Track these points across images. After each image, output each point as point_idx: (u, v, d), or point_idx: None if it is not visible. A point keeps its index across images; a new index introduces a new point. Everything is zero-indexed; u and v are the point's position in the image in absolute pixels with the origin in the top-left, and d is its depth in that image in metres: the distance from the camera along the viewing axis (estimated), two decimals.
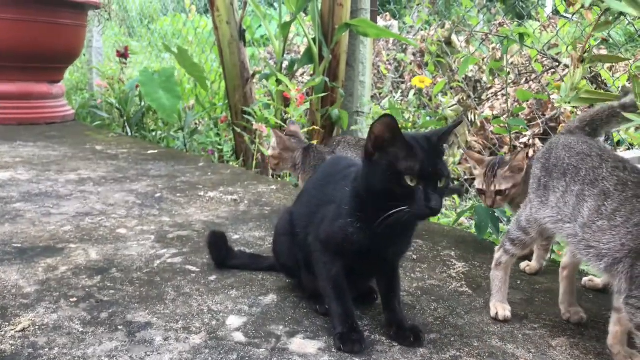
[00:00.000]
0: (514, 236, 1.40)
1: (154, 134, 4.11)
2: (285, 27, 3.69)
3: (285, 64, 3.86)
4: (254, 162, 3.50)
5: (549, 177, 1.31)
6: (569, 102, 1.14)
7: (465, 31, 4.07)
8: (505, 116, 4.37)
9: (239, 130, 3.63)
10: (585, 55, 1.08)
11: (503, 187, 1.72)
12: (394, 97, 5.21)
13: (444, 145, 1.24)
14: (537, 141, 4.22)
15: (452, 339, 1.33)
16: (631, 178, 1.16)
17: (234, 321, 1.37)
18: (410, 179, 1.15)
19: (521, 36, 1.79)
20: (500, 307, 1.43)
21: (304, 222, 1.41)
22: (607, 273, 1.16)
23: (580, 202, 1.21)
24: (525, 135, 4.28)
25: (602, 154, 1.23)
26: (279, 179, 3.22)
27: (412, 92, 4.54)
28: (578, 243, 1.21)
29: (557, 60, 3.60)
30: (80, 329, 1.30)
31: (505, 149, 3.85)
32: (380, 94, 5.44)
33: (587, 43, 1.10)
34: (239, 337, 1.30)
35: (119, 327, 1.32)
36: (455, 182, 3.69)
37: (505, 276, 1.45)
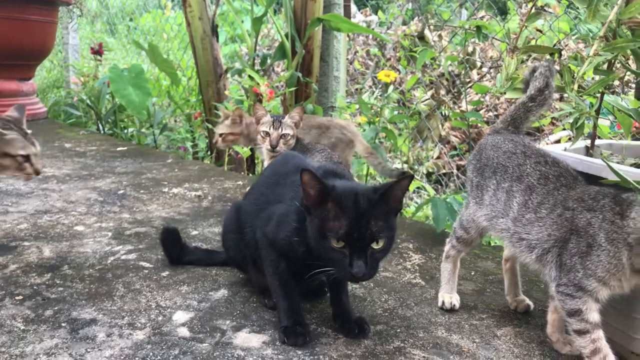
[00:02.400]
0: (458, 234, 1.43)
1: (126, 131, 4.07)
2: (256, 23, 3.68)
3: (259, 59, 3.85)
4: (227, 158, 3.48)
5: (481, 177, 1.35)
6: (504, 93, 1.14)
7: (438, 25, 4.08)
8: (481, 110, 4.39)
9: (210, 126, 3.61)
10: (520, 46, 1.09)
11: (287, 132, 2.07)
12: (374, 92, 5.22)
13: (394, 200, 1.14)
14: None
15: (399, 330, 1.33)
16: (551, 172, 1.20)
17: (180, 316, 1.36)
18: (336, 241, 1.10)
19: (478, 29, 1.79)
20: (447, 297, 1.44)
21: (253, 220, 1.39)
22: (539, 263, 1.19)
23: (510, 197, 1.24)
24: None
25: (526, 151, 1.28)
26: (250, 174, 3.21)
27: (391, 87, 4.54)
28: (511, 237, 1.24)
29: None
30: (22, 327, 1.28)
31: None
32: (360, 89, 5.44)
33: (521, 34, 1.10)
34: (184, 332, 1.29)
35: (63, 325, 1.30)
36: (432, 176, 3.71)
37: (454, 268, 1.46)
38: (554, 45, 3.14)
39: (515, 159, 1.27)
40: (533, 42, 3.03)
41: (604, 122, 2.83)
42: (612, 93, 3.49)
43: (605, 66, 1.20)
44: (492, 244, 2.01)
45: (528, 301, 1.45)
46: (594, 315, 1.11)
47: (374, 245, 1.11)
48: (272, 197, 1.34)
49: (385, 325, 1.35)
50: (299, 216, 1.19)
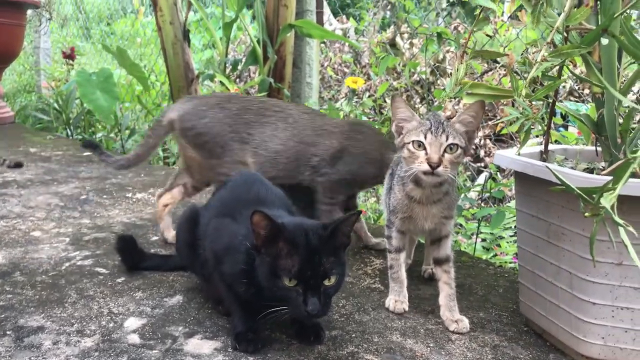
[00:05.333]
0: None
1: (94, 136, 4.01)
2: (227, 28, 3.66)
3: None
4: None
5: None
6: (453, 97, 1.15)
7: (409, 33, 4.11)
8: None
9: None
10: (468, 50, 1.10)
11: None
12: (350, 98, 5.23)
13: (342, 235, 1.16)
14: (487, 142, 4.29)
15: (354, 335, 1.32)
16: None
17: (132, 323, 1.33)
18: (289, 280, 1.10)
19: (439, 35, 1.81)
20: None
21: (205, 242, 1.34)
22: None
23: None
24: (476, 137, 4.33)
25: None
26: None
27: (367, 94, 4.55)
28: None
29: (495, 61, 3.67)
30: None
31: None
32: (333, 95, 5.44)
33: (470, 39, 1.11)
34: (134, 339, 1.26)
35: (8, 332, 1.26)
36: None
37: None
38: (522, 53, 3.19)
39: None
40: (500, 50, 3.08)
41: (572, 131, 2.88)
42: (582, 102, 3.55)
43: (556, 72, 1.22)
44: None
45: None
46: (396, 242, 1.47)
47: (327, 282, 1.11)
48: (225, 230, 1.28)
49: (341, 331, 1.34)
50: (248, 257, 1.17)
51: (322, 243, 1.12)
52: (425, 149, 1.28)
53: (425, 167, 1.27)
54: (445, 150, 1.27)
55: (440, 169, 1.26)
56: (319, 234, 1.12)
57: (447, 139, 1.27)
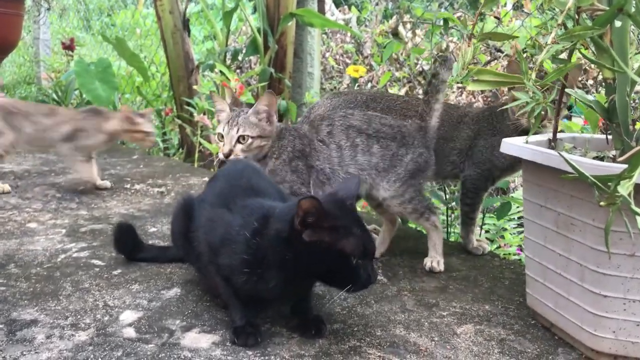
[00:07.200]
0: None
1: None
2: (227, 17, 3.61)
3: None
4: (197, 155, 3.41)
5: None
6: (461, 82, 1.11)
7: (412, 22, 4.04)
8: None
9: (179, 122, 3.54)
10: (477, 33, 1.05)
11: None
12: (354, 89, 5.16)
13: None
14: None
15: (356, 328, 1.29)
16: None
17: (128, 316, 1.30)
18: (357, 258, 1.10)
19: (445, 21, 1.76)
20: None
21: (200, 234, 1.29)
22: None
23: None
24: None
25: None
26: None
27: (369, 85, 4.49)
28: None
29: (499, 50, 3.61)
30: None
31: None
32: (335, 86, 5.38)
33: (477, 20, 1.07)
34: (130, 332, 1.23)
35: (0, 326, 1.23)
36: None
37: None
38: (529, 40, 3.13)
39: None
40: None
41: (577, 121, 2.83)
42: (587, 92, 3.49)
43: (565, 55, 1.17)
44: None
45: None
46: None
47: None
48: (220, 221, 1.23)
49: (343, 324, 1.30)
50: (249, 247, 1.14)
51: (355, 213, 1.15)
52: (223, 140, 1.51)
53: (221, 156, 1.51)
54: (238, 141, 1.49)
55: (232, 158, 1.48)
56: (353, 205, 1.16)
57: (237, 131, 1.49)
